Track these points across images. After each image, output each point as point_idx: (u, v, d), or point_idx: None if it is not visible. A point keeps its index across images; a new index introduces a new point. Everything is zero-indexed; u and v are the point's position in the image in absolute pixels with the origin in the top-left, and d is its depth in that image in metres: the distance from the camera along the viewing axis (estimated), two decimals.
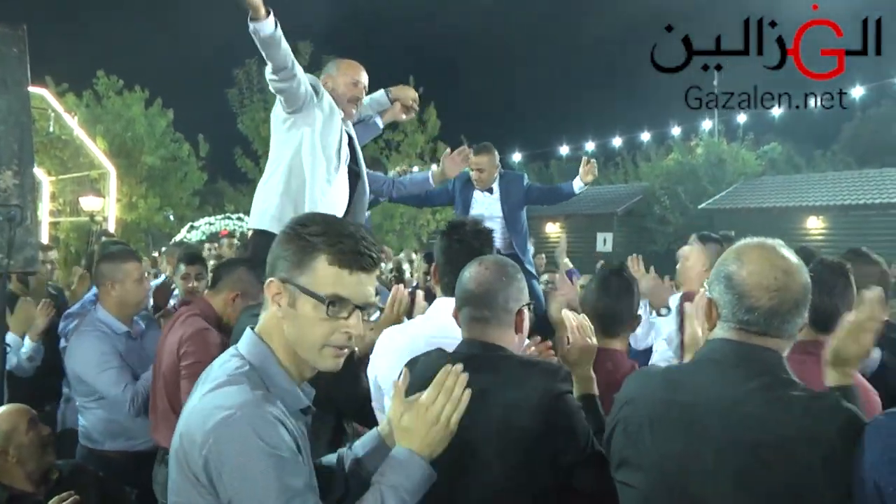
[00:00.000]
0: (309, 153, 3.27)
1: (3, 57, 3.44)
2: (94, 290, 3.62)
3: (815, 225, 17.94)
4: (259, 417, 1.21)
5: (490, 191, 4.92)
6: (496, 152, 4.92)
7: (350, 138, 3.59)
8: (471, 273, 1.84)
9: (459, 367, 1.45)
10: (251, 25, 2.91)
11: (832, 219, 17.67)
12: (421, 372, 1.68)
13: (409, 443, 1.39)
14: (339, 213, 3.37)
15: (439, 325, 2.13)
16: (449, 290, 2.17)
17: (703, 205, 20.01)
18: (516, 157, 25.27)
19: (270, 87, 3.21)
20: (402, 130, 19.66)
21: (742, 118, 22.18)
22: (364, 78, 3.59)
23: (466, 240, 2.26)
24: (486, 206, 4.93)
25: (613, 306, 2.36)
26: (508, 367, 1.72)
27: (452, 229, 2.35)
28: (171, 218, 20.54)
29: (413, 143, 19.84)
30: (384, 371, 2.09)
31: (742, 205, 19.31)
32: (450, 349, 1.83)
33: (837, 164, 23.94)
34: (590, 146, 23.90)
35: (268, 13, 2.89)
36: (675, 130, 22.75)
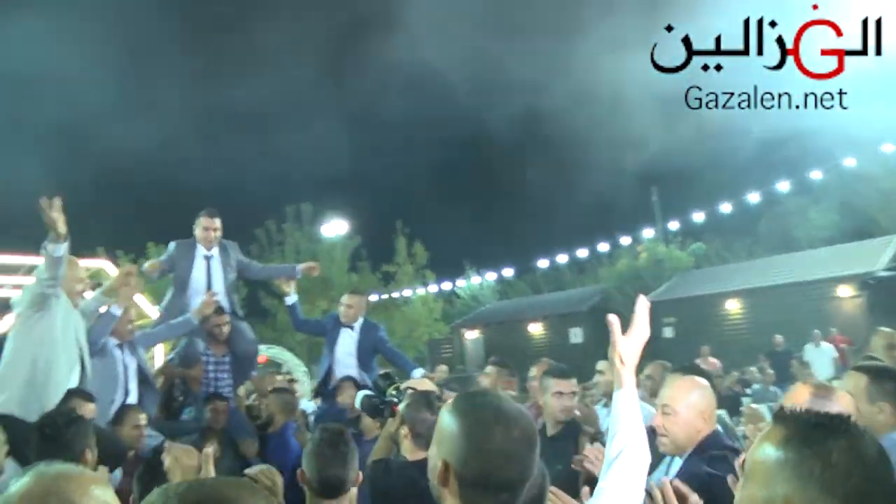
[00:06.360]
0: (51, 346, 3.39)
1: None
2: None
3: (733, 307, 22.21)
4: None
5: (351, 328, 5.44)
6: (367, 297, 5.65)
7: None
8: None
9: None
10: (48, 246, 3.11)
11: (748, 300, 21.98)
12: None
13: None
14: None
15: None
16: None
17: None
18: (507, 272, 28.85)
19: (38, 289, 3.31)
20: (396, 262, 24.66)
21: (674, 224, 27.32)
22: (84, 274, 3.85)
23: (55, 433, 2.48)
24: (347, 343, 5.41)
25: (342, 473, 2.30)
26: None
27: (44, 423, 2.56)
28: None
29: (406, 272, 24.71)
30: None
31: (677, 295, 23.84)
32: None
33: (755, 255, 28.86)
34: (562, 258, 28.81)
35: (65, 237, 3.11)
36: (625, 240, 27.85)
